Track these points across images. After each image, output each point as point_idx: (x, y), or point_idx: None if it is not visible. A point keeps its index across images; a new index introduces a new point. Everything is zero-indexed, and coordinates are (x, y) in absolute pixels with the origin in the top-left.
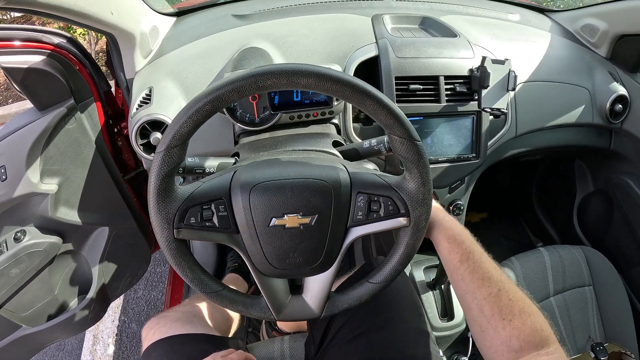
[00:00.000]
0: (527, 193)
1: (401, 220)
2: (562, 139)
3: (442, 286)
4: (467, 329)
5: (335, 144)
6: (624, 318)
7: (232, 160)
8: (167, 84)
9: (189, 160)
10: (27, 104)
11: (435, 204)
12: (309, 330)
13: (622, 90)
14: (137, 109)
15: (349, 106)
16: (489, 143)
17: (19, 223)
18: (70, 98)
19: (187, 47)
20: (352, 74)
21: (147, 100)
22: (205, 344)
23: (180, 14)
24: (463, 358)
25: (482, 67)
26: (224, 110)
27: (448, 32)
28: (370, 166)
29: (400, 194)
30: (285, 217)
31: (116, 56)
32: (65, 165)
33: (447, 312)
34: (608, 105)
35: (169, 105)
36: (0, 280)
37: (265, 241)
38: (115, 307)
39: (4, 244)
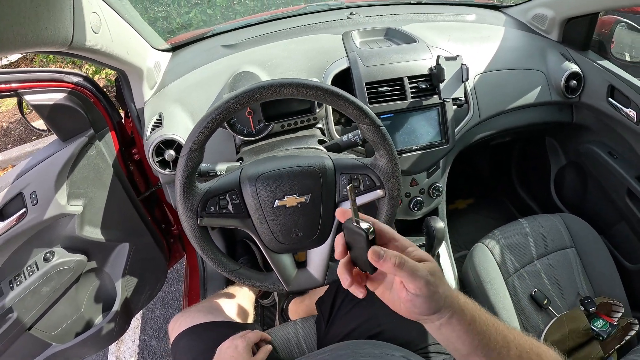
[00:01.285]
0: (507, 175)
1: (378, 192)
2: (526, 119)
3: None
4: None
5: (320, 142)
6: (608, 273)
7: (238, 163)
8: (174, 109)
9: (203, 167)
10: (26, 148)
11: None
12: (317, 309)
13: (574, 68)
14: (150, 132)
15: (330, 113)
16: (456, 129)
17: (47, 245)
18: (90, 128)
19: (185, 77)
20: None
21: (158, 124)
22: (227, 329)
23: (175, 49)
24: None
25: (437, 65)
26: (226, 125)
27: (409, 39)
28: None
29: (374, 170)
30: (286, 198)
31: (127, 90)
32: (88, 188)
33: None
34: (562, 82)
35: (178, 127)
36: (33, 298)
37: (272, 220)
38: (134, 328)
39: (35, 265)
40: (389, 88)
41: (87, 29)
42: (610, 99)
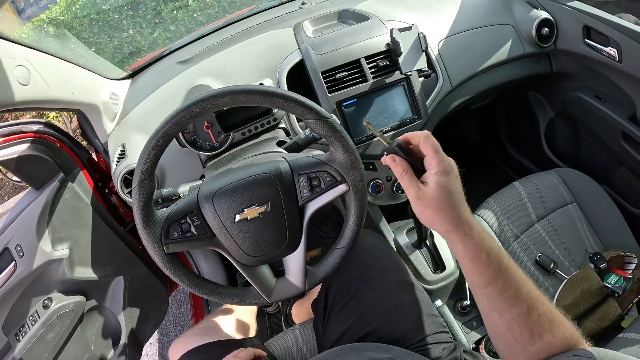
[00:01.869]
0: (497, 137)
1: (341, 187)
2: (502, 77)
3: (427, 242)
4: (461, 276)
5: (280, 143)
6: (615, 223)
7: (200, 182)
8: (136, 137)
9: (165, 192)
10: (21, 196)
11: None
12: (313, 312)
13: (543, 14)
14: (116, 164)
15: None
16: (427, 101)
17: (44, 292)
18: (60, 172)
19: (145, 101)
20: (284, 82)
21: (122, 155)
22: (219, 349)
23: (133, 74)
24: (465, 302)
25: (392, 39)
26: (186, 144)
27: (362, 18)
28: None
29: (332, 165)
30: (245, 211)
31: (88, 127)
32: (70, 231)
33: (437, 265)
34: (534, 32)
35: None
36: (40, 346)
37: (237, 236)
38: (152, 355)
39: (36, 314)
40: (347, 73)
41: (12, 84)
42: (587, 40)
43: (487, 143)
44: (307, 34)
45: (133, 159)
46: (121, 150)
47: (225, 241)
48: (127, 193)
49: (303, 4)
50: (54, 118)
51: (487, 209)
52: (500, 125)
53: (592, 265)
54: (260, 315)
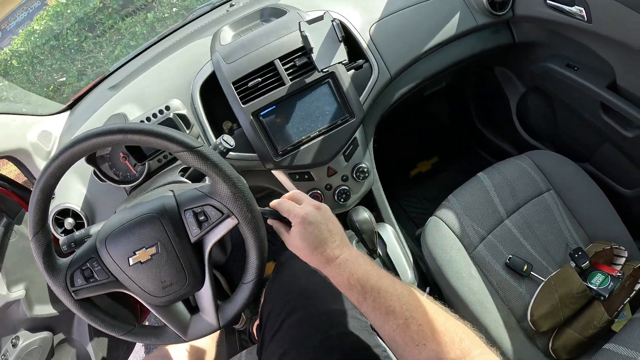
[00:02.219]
0: (470, 120)
1: (229, 221)
2: (454, 56)
3: (380, 252)
4: (421, 286)
5: (186, 169)
6: (601, 209)
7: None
8: (67, 175)
9: (77, 235)
10: None
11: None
12: (256, 337)
13: None
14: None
15: (206, 126)
16: (361, 96)
17: (12, 331)
18: (3, 217)
19: (79, 131)
20: (197, 99)
21: (53, 194)
22: None
23: (72, 105)
24: None
25: (300, 33)
26: (103, 178)
27: (280, 13)
28: None
29: (214, 198)
30: (137, 253)
31: (23, 169)
32: (24, 271)
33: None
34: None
35: (70, 193)
36: None
37: (137, 278)
38: None
39: (7, 353)
40: (260, 79)
41: None
42: (549, 1)
43: (459, 126)
44: (222, 42)
45: (62, 199)
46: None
47: (129, 284)
48: (61, 233)
49: (231, 5)
50: None
51: (446, 209)
52: (470, 106)
53: (574, 264)
54: (231, 333)
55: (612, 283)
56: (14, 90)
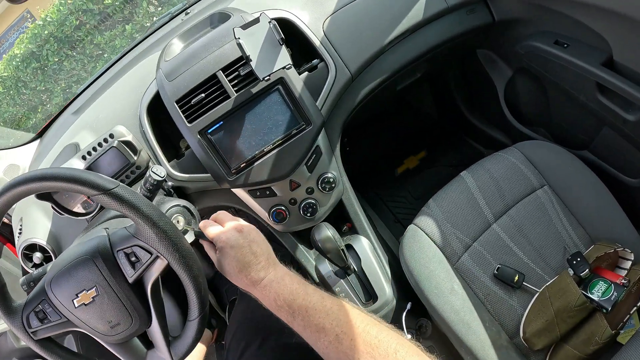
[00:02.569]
0: (457, 109)
1: (160, 262)
2: (425, 43)
3: (355, 268)
4: (399, 306)
5: None
6: (602, 203)
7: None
8: (32, 209)
9: (35, 273)
10: None
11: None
12: None
13: None
14: (17, 240)
15: (158, 151)
16: (318, 101)
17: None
18: None
19: (42, 164)
20: (145, 122)
21: (20, 230)
22: None
23: (41, 133)
24: (406, 336)
25: (236, 41)
26: (63, 213)
27: (226, 18)
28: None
29: (140, 239)
30: (79, 296)
31: None
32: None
33: (370, 294)
34: None
35: (36, 228)
36: None
37: (85, 319)
38: None
39: None
40: (204, 95)
41: None
42: None
43: (447, 117)
44: (167, 57)
45: (29, 234)
46: (20, 226)
47: (80, 324)
48: (32, 267)
49: (186, 14)
50: None
51: (426, 216)
52: (455, 94)
53: (572, 272)
54: (220, 348)
55: (615, 293)
56: None
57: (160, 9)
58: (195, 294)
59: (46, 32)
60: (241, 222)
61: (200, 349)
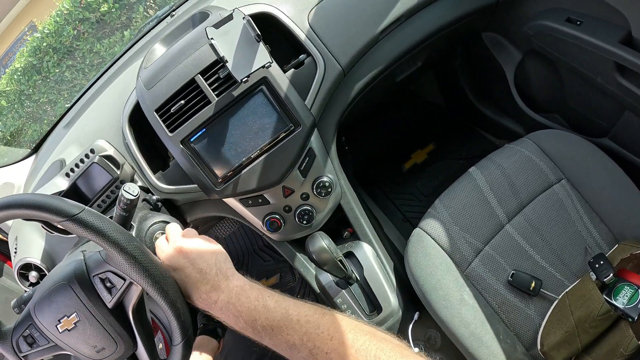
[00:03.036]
0: (465, 97)
1: (135, 288)
2: (423, 29)
3: (357, 277)
4: (407, 316)
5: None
6: (627, 197)
7: None
8: (25, 228)
9: (25, 295)
10: None
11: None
12: None
13: None
14: (13, 259)
15: (142, 164)
16: (307, 100)
17: None
18: None
19: (36, 180)
20: (128, 133)
21: (16, 250)
22: None
23: (36, 148)
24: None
25: (208, 41)
26: (52, 231)
27: (206, 17)
28: (156, 218)
29: (110, 264)
30: (61, 322)
31: None
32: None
33: (374, 305)
34: None
35: (31, 247)
36: None
37: (71, 344)
38: None
39: None
40: (183, 101)
41: None
42: None
43: (454, 107)
44: (146, 63)
45: (23, 254)
46: (15, 245)
47: (67, 349)
48: (29, 286)
49: (171, 16)
50: None
51: (432, 218)
52: (462, 82)
53: (594, 276)
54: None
55: None
56: None
57: (158, 12)
58: (175, 319)
59: (45, 44)
60: (186, 237)
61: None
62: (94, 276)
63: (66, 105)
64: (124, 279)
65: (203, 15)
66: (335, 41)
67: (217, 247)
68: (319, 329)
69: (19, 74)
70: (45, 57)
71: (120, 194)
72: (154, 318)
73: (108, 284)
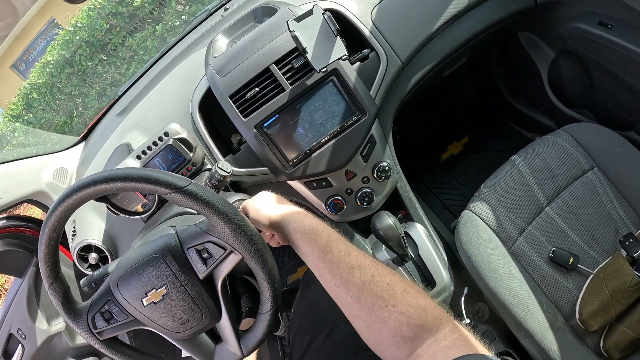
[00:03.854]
0: (499, 93)
1: (233, 257)
2: (470, 29)
3: (412, 255)
4: (456, 291)
5: None
6: None
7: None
8: (84, 211)
9: (96, 274)
10: None
11: (274, 210)
12: None
13: None
14: (71, 242)
15: (212, 147)
16: (372, 90)
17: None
18: (33, 257)
19: (91, 166)
20: (198, 119)
21: (74, 232)
22: None
23: (86, 136)
24: (465, 321)
25: (290, 34)
26: (119, 212)
27: (272, 12)
28: (235, 197)
29: (213, 235)
30: (148, 295)
31: (43, 208)
32: None
33: (427, 280)
34: None
35: (90, 229)
36: None
37: (154, 317)
38: None
39: None
40: (258, 89)
41: None
42: None
43: (488, 101)
44: (215, 53)
45: (83, 236)
46: (73, 228)
47: (148, 322)
48: (87, 268)
49: (225, 10)
50: None
51: (480, 201)
52: (497, 78)
53: (625, 253)
54: (272, 340)
55: None
56: (27, 132)
57: (188, 7)
58: (269, 287)
59: (77, 37)
60: (269, 204)
61: None
62: (188, 248)
63: (100, 98)
64: (224, 249)
65: (267, 10)
66: (396, 37)
67: (297, 208)
68: (384, 265)
69: (51, 66)
70: (78, 50)
71: (214, 171)
72: None
73: (205, 255)
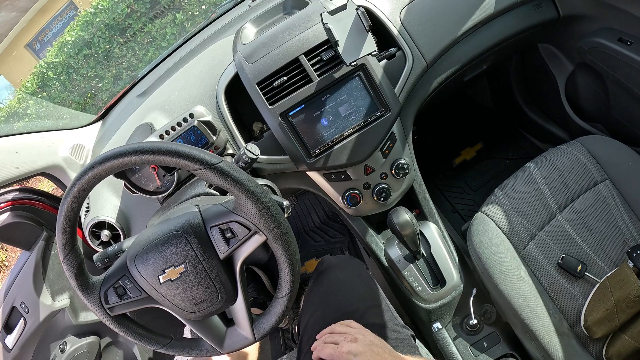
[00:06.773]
0: (514, 102)
1: (257, 238)
2: (493, 36)
3: (424, 253)
4: (466, 291)
5: None
6: None
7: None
8: (99, 188)
9: (110, 250)
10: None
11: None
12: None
13: None
14: (83, 218)
15: (234, 131)
16: (396, 88)
17: (60, 337)
18: (43, 231)
19: (107, 146)
20: (223, 103)
21: (88, 208)
22: None
23: (103, 115)
24: (472, 321)
25: (323, 26)
26: (135, 191)
27: (302, 4)
28: (260, 182)
29: (239, 214)
30: (166, 272)
31: (58, 183)
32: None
33: (437, 279)
34: None
35: (104, 206)
36: None
37: (169, 295)
38: None
39: (55, 358)
40: (286, 78)
41: None
42: None
43: (504, 110)
44: (244, 40)
45: (97, 212)
46: (87, 203)
47: (162, 300)
48: (98, 245)
49: (253, 0)
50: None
51: (493, 204)
52: (514, 87)
53: (631, 264)
54: (275, 332)
55: None
56: (45, 107)
57: None
58: (290, 271)
59: (98, 19)
60: (348, 330)
61: None
62: (212, 227)
63: (115, 81)
64: (249, 229)
65: (297, 3)
66: (423, 38)
67: (376, 336)
68: None
69: (69, 46)
70: (97, 32)
71: (242, 153)
72: None
73: (228, 234)
